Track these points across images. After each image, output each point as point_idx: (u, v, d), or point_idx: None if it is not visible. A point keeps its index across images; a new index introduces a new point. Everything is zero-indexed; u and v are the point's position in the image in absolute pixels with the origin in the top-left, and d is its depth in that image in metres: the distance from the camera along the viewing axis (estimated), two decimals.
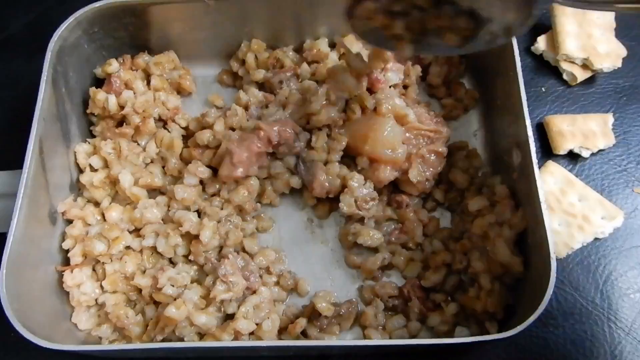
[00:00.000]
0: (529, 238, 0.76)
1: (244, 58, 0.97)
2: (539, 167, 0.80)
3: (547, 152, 0.92)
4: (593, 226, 0.85)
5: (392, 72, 0.87)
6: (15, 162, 0.85)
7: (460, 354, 0.81)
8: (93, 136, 0.94)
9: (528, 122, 0.77)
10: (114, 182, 0.88)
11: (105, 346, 0.72)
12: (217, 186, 0.87)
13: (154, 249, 0.84)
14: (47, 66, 0.82)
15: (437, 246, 0.83)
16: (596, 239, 0.86)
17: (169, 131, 0.93)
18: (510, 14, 0.63)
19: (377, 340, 0.77)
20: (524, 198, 0.78)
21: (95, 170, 0.89)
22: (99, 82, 0.95)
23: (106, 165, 0.89)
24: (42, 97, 0.80)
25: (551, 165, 0.89)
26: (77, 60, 0.90)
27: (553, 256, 0.69)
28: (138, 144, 0.92)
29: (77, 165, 0.90)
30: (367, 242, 0.82)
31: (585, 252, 0.86)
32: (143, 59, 0.95)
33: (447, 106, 0.94)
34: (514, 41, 0.82)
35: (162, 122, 0.94)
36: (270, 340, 0.75)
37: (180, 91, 0.98)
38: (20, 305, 0.71)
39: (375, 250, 0.84)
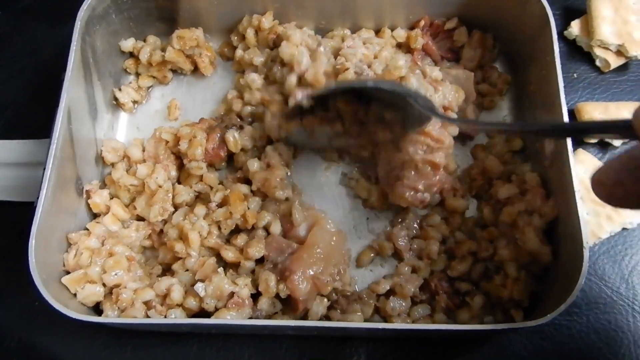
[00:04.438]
0: (560, 227, 0.75)
1: (244, 33, 0.93)
2: None
3: (577, 139, 0.90)
4: (622, 216, 0.84)
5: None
6: (39, 131, 0.85)
7: (483, 341, 0.81)
8: (117, 108, 0.93)
9: (565, 109, 0.75)
10: None
11: (136, 320, 0.72)
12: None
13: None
14: (76, 36, 0.81)
15: (460, 237, 0.82)
16: (624, 229, 0.85)
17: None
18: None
19: (399, 324, 0.76)
20: (556, 187, 0.77)
21: None
22: (124, 53, 0.95)
23: None
24: (70, 68, 0.79)
25: (581, 153, 0.88)
26: (105, 31, 0.89)
27: (586, 246, 0.68)
28: None
29: None
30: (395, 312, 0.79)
31: (612, 241, 0.85)
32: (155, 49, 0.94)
33: (483, 93, 0.91)
34: (552, 25, 0.80)
35: None
36: (293, 320, 0.75)
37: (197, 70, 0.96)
38: (48, 275, 0.72)
39: None
